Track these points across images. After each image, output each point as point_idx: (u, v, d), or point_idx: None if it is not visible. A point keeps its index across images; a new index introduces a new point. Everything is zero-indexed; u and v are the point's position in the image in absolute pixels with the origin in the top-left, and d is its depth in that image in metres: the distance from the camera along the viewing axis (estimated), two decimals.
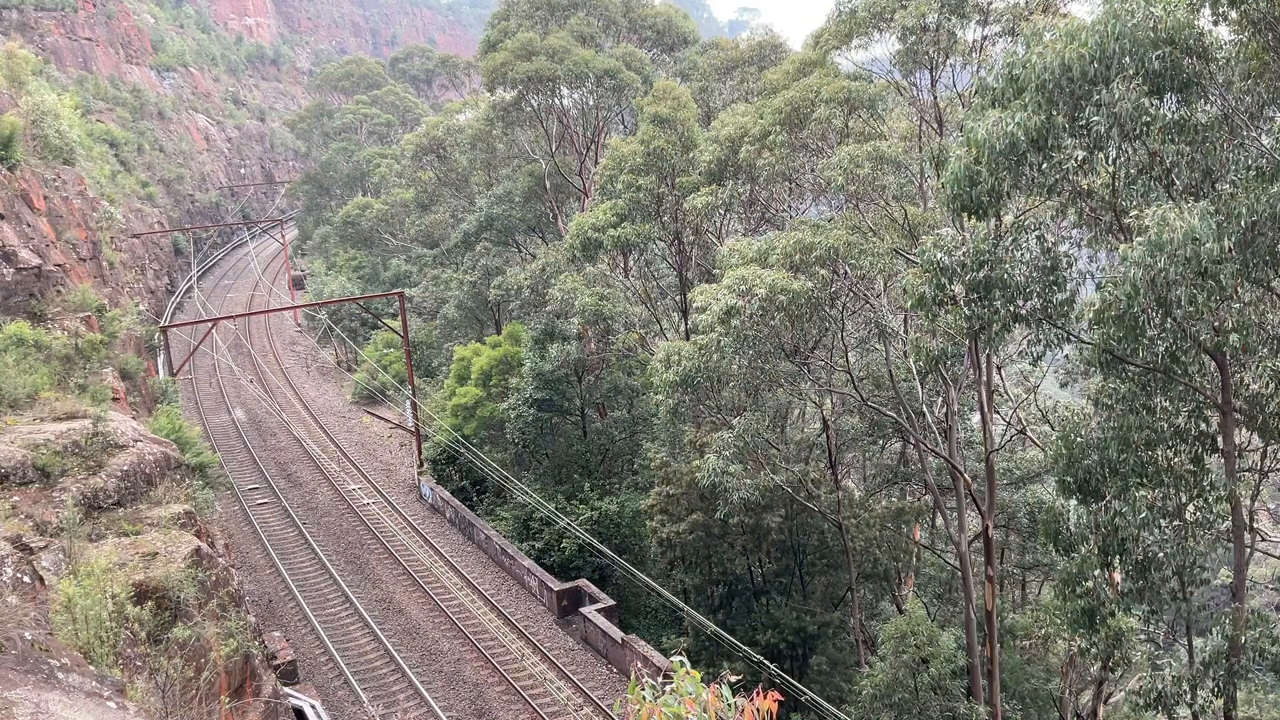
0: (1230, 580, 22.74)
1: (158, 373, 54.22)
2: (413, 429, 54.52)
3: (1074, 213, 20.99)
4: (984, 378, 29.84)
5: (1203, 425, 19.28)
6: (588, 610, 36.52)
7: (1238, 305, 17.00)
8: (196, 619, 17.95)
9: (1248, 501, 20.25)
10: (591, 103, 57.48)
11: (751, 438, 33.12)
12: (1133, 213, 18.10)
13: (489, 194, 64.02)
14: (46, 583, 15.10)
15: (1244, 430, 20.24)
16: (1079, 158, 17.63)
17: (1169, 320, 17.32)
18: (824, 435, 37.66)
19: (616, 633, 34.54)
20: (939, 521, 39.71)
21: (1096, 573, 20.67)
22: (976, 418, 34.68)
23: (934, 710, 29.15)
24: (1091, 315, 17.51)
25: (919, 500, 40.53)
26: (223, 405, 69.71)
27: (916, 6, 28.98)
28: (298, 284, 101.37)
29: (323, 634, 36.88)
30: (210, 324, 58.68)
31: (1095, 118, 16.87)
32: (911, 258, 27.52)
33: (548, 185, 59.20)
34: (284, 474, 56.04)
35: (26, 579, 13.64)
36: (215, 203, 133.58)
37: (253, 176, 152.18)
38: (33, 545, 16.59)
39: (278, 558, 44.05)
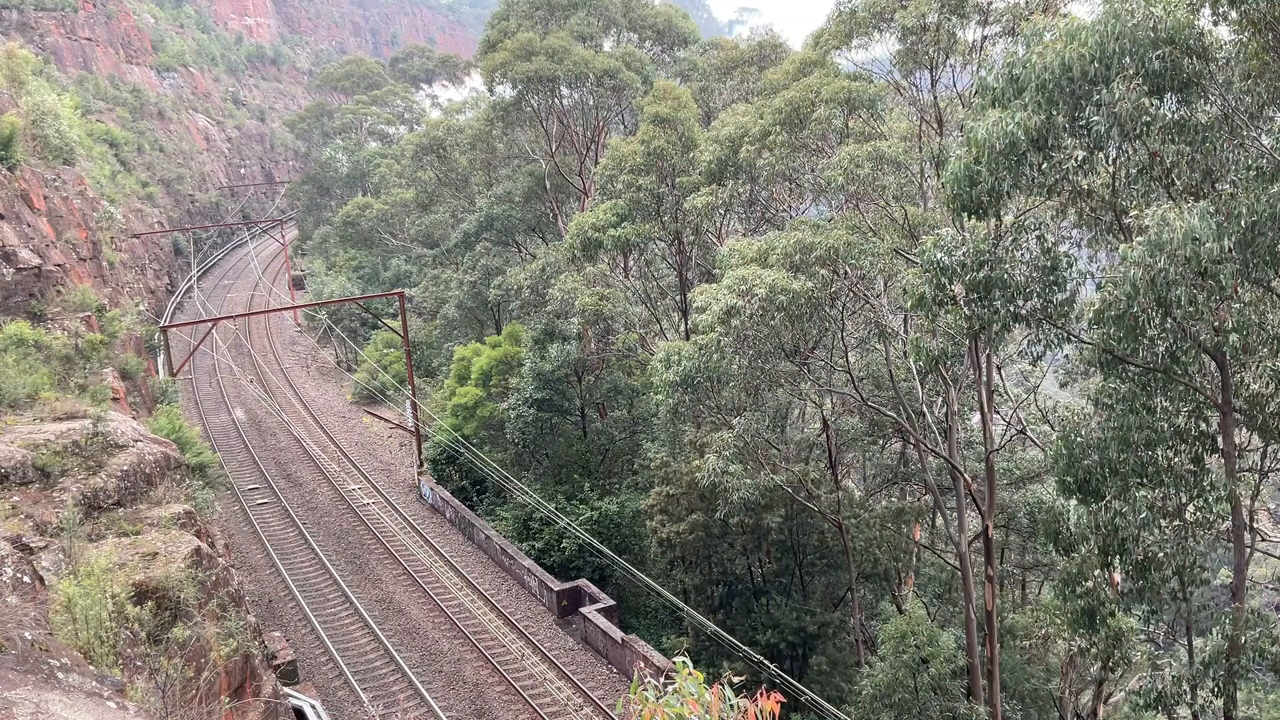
0: (1230, 580, 22.74)
1: (158, 373, 54.28)
2: (413, 429, 54.52)
3: (1074, 213, 21.01)
4: (984, 378, 29.84)
5: (1203, 425, 19.28)
6: (588, 610, 36.51)
7: (1238, 305, 16.99)
8: (196, 619, 17.95)
9: (1248, 501, 20.24)
10: (591, 103, 57.48)
11: (751, 438, 33.12)
12: (1133, 213, 18.10)
13: (489, 194, 64.01)
14: (46, 583, 15.10)
15: (1244, 430, 20.24)
16: (1079, 158, 17.63)
17: (1169, 320, 17.32)
18: (824, 435, 37.66)
19: (616, 633, 34.54)
20: (939, 521, 39.70)
21: (1096, 573, 20.69)
22: (976, 418, 34.67)
23: (934, 710, 29.14)
24: (1091, 315, 17.51)
25: (919, 500, 40.53)
26: (223, 405, 69.71)
27: (916, 6, 28.99)
28: (298, 284, 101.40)
29: (323, 634, 36.87)
30: (210, 324, 58.68)
31: (1095, 118, 16.87)
32: (911, 258, 27.53)
33: (548, 185, 59.21)
34: (284, 474, 56.03)
35: (26, 579, 13.63)
36: (215, 203, 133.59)
37: (253, 176, 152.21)
38: (33, 545, 16.59)
39: (278, 558, 44.05)
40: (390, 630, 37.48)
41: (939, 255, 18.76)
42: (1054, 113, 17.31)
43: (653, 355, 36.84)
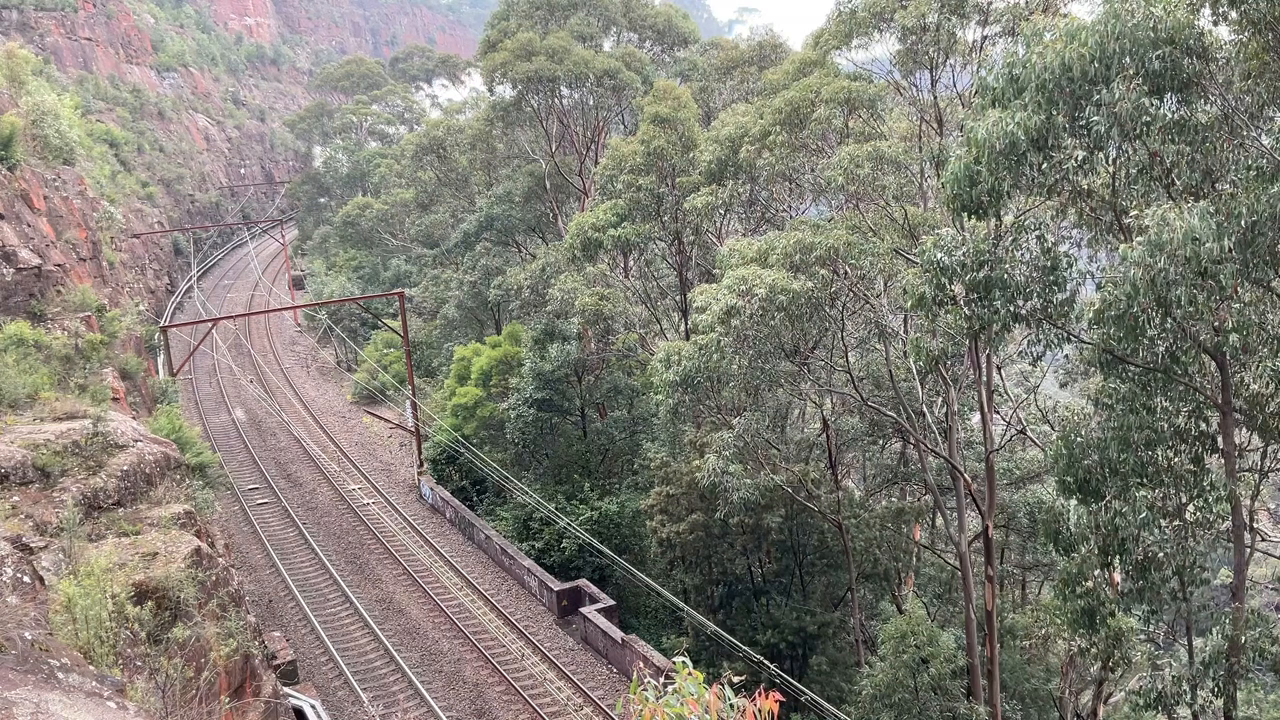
0: (1230, 580, 22.74)
1: (158, 373, 54.29)
2: (413, 429, 54.52)
3: (1074, 213, 21.01)
4: (984, 378, 29.84)
5: (1203, 425, 19.27)
6: (588, 610, 36.52)
7: (1238, 305, 16.99)
8: (196, 619, 17.95)
9: (1248, 501, 20.24)
10: (591, 103, 57.49)
11: (751, 438, 33.12)
12: (1133, 213, 18.10)
13: (489, 194, 64.02)
14: (46, 583, 15.10)
15: (1244, 430, 20.24)
16: (1079, 158, 17.62)
17: (1169, 320, 17.32)
18: (824, 435, 37.66)
19: (616, 633, 34.54)
20: (939, 521, 39.68)
21: (1096, 573, 20.67)
22: (976, 418, 34.68)
23: (934, 710, 29.14)
24: (1091, 315, 17.51)
25: (919, 500, 40.53)
26: (223, 405, 69.71)
27: (916, 6, 28.99)
28: (298, 284, 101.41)
29: (323, 634, 36.88)
30: (210, 324, 58.67)
31: (1095, 118, 16.86)
32: (911, 258, 27.53)
33: (548, 185, 59.21)
34: (284, 474, 56.04)
35: (26, 579, 13.64)
36: (215, 203, 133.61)
37: (253, 176, 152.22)
38: (33, 545, 16.59)
39: (278, 558, 44.05)
40: (390, 630, 37.48)
41: (939, 255, 18.75)
42: (1054, 113, 17.30)
43: (653, 355, 36.83)
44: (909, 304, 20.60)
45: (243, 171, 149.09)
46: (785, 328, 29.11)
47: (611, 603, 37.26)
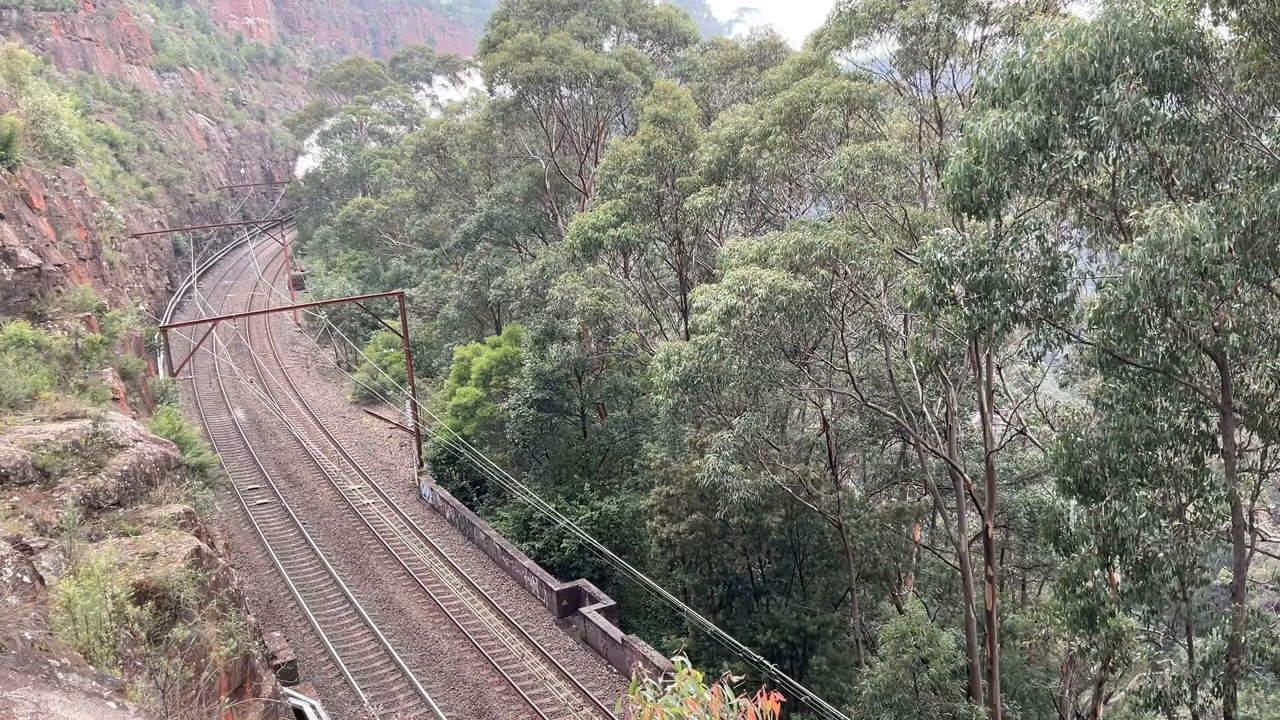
0: (1230, 580, 22.75)
1: (158, 373, 54.25)
2: (413, 429, 54.51)
3: (1074, 213, 21.00)
4: (984, 378, 29.84)
5: (1203, 425, 19.27)
6: (588, 610, 36.51)
7: (1238, 305, 17.00)
8: (196, 619, 17.95)
9: (1248, 501, 20.25)
10: (591, 103, 57.52)
11: (751, 438, 33.12)
12: (1133, 213, 18.11)
13: (489, 194, 64.02)
14: (46, 583, 15.09)
15: (1244, 430, 20.24)
16: (1079, 158, 17.61)
17: (1169, 320, 17.32)
18: (824, 435, 37.65)
19: (616, 633, 34.54)
20: (939, 521, 39.70)
21: (1096, 573, 20.68)
22: (976, 418, 34.68)
23: (934, 710, 29.14)
24: (1091, 315, 17.51)
25: (919, 500, 40.52)
26: (223, 405, 69.71)
27: (916, 7, 28.99)
28: (298, 284, 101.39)
29: (323, 634, 36.87)
30: (210, 324, 58.65)
31: (1095, 118, 16.86)
32: (911, 258, 27.53)
33: (548, 185, 59.21)
34: (284, 474, 56.03)
35: (26, 579, 13.63)
36: (215, 203, 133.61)
37: (253, 176, 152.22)
38: (33, 545, 16.58)
39: (278, 558, 44.05)
40: (390, 630, 37.48)
41: (939, 255, 18.75)
42: (1054, 113, 17.30)
43: (653, 355, 36.84)
44: (909, 304, 20.60)
45: (243, 171, 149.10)
46: (785, 328, 29.12)
47: (611, 603, 37.26)
